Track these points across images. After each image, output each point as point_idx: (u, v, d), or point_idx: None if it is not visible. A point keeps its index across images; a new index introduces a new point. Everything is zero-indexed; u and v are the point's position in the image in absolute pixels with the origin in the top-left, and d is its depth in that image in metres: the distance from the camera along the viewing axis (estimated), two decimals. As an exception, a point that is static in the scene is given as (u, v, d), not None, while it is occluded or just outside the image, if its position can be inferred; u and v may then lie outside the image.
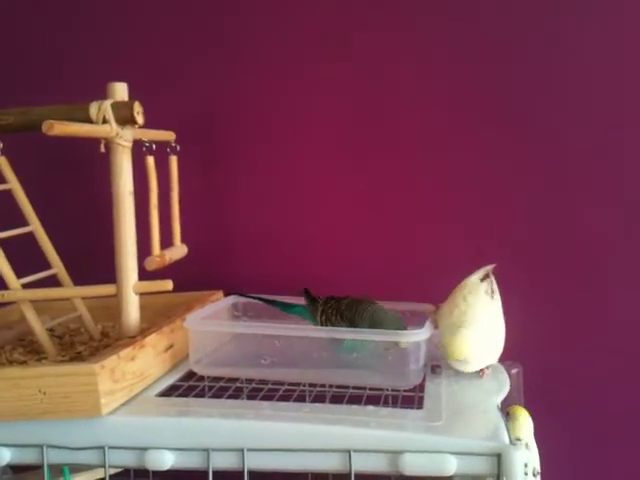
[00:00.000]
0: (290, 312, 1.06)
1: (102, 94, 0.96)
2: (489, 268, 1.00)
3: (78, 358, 0.98)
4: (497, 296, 0.98)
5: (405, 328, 0.92)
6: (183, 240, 1.11)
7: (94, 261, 1.12)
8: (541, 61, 1.16)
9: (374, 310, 0.95)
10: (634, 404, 1.18)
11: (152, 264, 0.97)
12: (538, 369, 1.10)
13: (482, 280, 0.98)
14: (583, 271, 1.18)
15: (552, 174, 1.18)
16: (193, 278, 1.16)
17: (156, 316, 1.06)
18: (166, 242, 1.03)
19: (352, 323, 0.95)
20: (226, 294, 1.17)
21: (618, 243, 1.17)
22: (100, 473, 1.02)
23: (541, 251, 1.19)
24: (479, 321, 0.93)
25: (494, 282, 0.99)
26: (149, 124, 0.98)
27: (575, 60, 1.16)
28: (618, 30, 1.14)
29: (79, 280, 1.04)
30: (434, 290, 1.03)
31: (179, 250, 1.08)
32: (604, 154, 1.16)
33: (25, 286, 0.97)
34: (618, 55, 1.14)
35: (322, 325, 0.97)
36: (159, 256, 0.98)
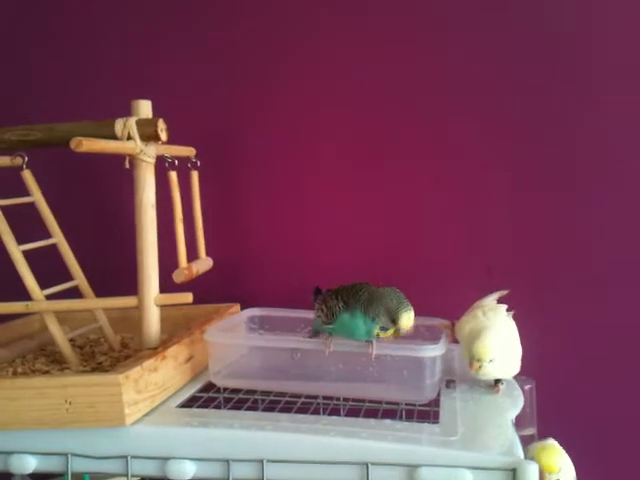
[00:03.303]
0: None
1: (127, 111, 0.98)
2: (503, 293, 1.03)
3: (99, 368, 1.00)
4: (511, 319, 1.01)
5: (405, 300, 0.90)
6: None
7: (115, 273, 1.15)
8: (549, 75, 1.18)
9: (370, 288, 0.92)
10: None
11: (180, 276, 0.99)
12: (551, 385, 1.11)
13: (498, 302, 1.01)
14: (595, 287, 1.19)
15: (564, 193, 1.19)
16: (211, 291, 1.17)
17: (174, 328, 1.08)
18: (189, 255, 1.04)
19: (346, 303, 0.92)
20: (243, 307, 1.19)
21: (631, 259, 1.18)
22: (118, 482, 1.04)
23: (553, 268, 1.20)
24: (500, 331, 0.95)
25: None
26: (170, 140, 1.00)
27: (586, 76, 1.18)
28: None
29: (100, 291, 1.06)
30: (447, 305, 1.05)
31: (205, 263, 1.10)
32: (616, 170, 1.18)
33: (48, 297, 0.99)
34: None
35: (319, 309, 0.95)
36: (187, 268, 1.00)
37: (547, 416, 1.06)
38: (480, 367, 0.92)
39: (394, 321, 0.89)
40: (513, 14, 1.19)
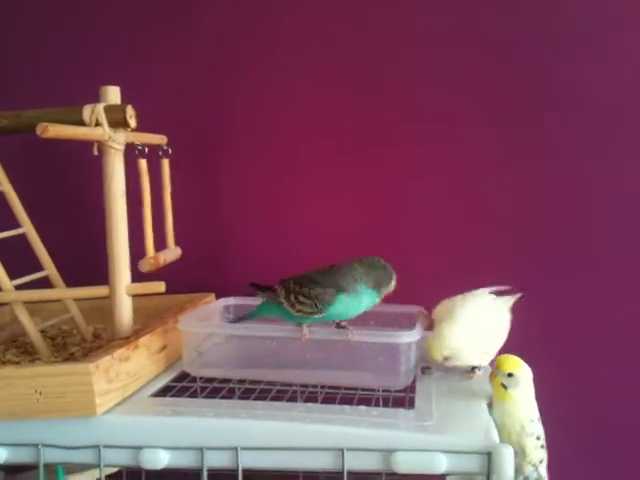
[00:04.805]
0: (258, 315, 1.00)
1: (95, 97, 0.97)
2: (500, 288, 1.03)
3: (71, 359, 0.99)
4: (505, 306, 1.01)
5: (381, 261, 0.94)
6: (176, 243, 1.12)
7: (86, 263, 1.13)
8: (545, 70, 1.18)
9: (341, 266, 0.93)
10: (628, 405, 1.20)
11: (146, 265, 0.98)
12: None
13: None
14: (581, 278, 1.20)
15: (557, 183, 1.19)
16: (185, 281, 1.16)
17: (148, 318, 1.07)
18: (159, 244, 1.03)
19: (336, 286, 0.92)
20: (218, 297, 1.18)
21: (620, 250, 1.18)
22: (93, 474, 1.03)
23: (537, 258, 1.20)
24: (466, 318, 0.95)
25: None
26: (142, 128, 0.99)
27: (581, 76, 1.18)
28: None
29: (71, 282, 1.05)
30: (426, 294, 1.05)
31: (173, 252, 1.09)
32: (610, 162, 1.18)
33: (18, 287, 0.97)
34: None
35: (291, 302, 0.93)
36: (153, 258, 0.99)
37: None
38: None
39: (389, 285, 0.94)
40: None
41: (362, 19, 1.21)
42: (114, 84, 0.99)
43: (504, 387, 0.86)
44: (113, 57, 1.28)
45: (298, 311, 0.92)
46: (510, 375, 0.86)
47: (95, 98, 0.96)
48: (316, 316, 0.92)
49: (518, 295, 1.02)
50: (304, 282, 0.93)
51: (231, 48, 1.25)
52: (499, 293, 1.02)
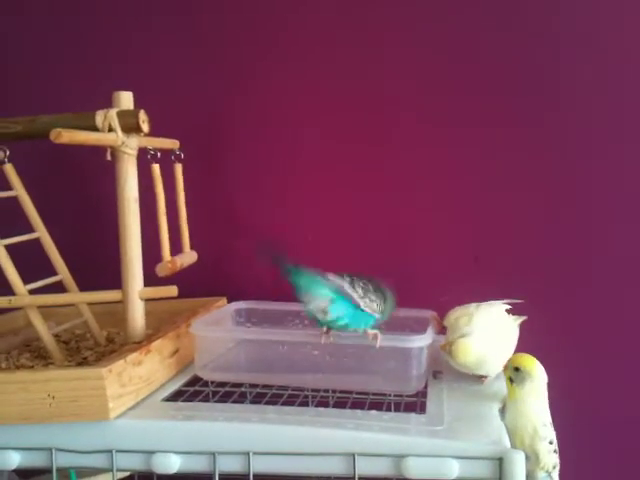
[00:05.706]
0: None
1: (108, 103, 0.97)
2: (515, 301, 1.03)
3: (84, 363, 0.99)
4: (515, 320, 1.01)
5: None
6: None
7: (99, 267, 1.14)
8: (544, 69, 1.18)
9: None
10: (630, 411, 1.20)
11: (164, 270, 0.98)
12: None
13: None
14: (582, 276, 1.19)
15: (558, 183, 1.19)
16: (196, 285, 1.16)
17: (160, 322, 1.07)
18: (173, 249, 1.03)
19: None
20: (229, 300, 1.18)
21: (628, 248, 1.18)
22: (105, 478, 1.03)
23: (540, 257, 1.20)
24: (485, 329, 0.94)
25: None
26: (153, 132, 0.99)
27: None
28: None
29: (84, 286, 1.05)
30: (434, 295, 1.05)
31: (189, 256, 1.09)
32: (610, 156, 1.17)
33: (31, 292, 0.97)
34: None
35: (359, 294, 0.90)
36: (170, 262, 0.99)
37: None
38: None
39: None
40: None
41: (362, 19, 1.21)
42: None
43: (511, 381, 0.86)
44: (112, 58, 1.28)
45: (365, 306, 0.90)
46: (517, 369, 0.86)
47: (95, 100, 0.96)
48: (377, 317, 0.91)
49: (524, 317, 1.03)
50: (364, 279, 0.91)
51: (231, 48, 1.25)
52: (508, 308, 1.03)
